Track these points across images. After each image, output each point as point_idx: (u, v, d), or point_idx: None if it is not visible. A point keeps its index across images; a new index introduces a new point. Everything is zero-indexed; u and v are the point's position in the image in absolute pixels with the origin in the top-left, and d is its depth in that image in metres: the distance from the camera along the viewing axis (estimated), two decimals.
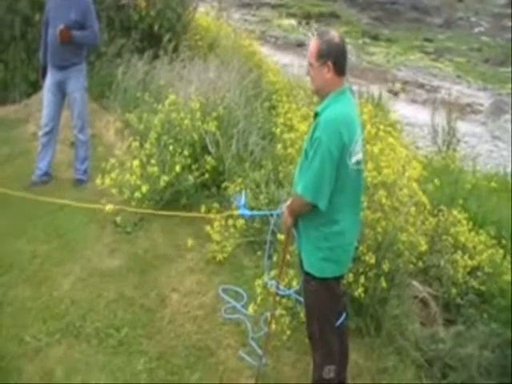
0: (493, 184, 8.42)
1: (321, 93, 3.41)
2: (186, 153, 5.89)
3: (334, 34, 3.36)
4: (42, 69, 6.43)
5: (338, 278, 3.59)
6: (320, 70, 3.31)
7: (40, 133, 6.38)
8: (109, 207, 5.21)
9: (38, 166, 6.31)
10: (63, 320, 4.30)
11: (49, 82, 6.22)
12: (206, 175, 6.04)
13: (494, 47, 41.97)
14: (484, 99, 27.13)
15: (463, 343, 4.70)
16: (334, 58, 3.29)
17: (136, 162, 5.69)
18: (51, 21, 6.06)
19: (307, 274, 3.49)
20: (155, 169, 5.67)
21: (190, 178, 5.87)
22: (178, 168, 5.72)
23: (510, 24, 46.23)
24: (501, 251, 6.12)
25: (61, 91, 6.23)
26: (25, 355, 3.94)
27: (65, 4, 6.02)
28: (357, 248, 4.38)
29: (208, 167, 6.07)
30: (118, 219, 5.54)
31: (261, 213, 5.07)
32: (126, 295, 4.66)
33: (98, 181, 5.58)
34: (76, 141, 6.44)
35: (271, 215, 4.32)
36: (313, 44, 3.33)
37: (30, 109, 8.34)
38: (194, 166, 5.97)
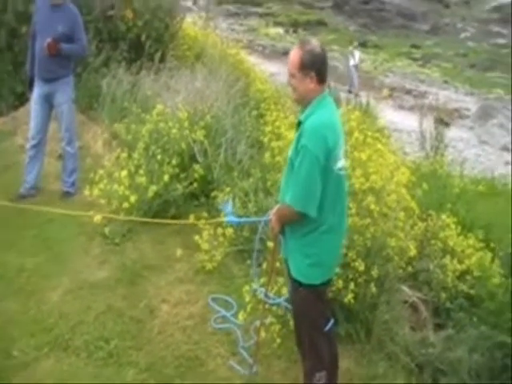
0: (480, 188, 8.50)
1: (303, 101, 3.43)
2: (174, 162, 5.88)
3: (315, 43, 3.38)
4: (29, 81, 6.37)
5: (326, 284, 3.59)
6: (303, 80, 3.33)
7: (27, 145, 6.33)
8: (97, 218, 5.19)
9: (26, 179, 6.26)
10: (52, 333, 4.26)
11: (36, 94, 6.18)
12: (195, 184, 6.04)
13: (480, 52, 42.35)
14: (471, 104, 27.35)
15: (453, 347, 4.72)
16: (317, 68, 3.31)
17: (124, 173, 5.67)
18: (39, 33, 6.02)
19: (295, 280, 3.49)
20: (143, 179, 5.66)
21: (179, 187, 5.86)
22: (166, 178, 5.71)
23: (495, 29, 46.60)
24: (489, 255, 6.16)
25: (48, 103, 6.19)
26: (12, 369, 3.90)
27: (53, 16, 5.97)
28: (345, 254, 4.39)
29: (196, 176, 6.06)
30: (107, 230, 5.52)
31: (248, 220, 5.07)
32: (115, 307, 4.63)
33: (87, 192, 5.56)
34: (64, 153, 6.40)
35: (259, 222, 4.32)
36: (294, 54, 3.33)
37: (17, 121, 8.29)
38: (182, 175, 5.97)
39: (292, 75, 3.36)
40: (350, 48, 27.66)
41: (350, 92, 23.67)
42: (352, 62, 26.25)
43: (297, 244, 3.45)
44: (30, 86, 6.33)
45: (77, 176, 6.39)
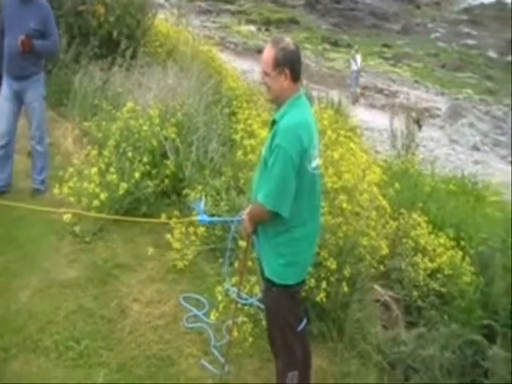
0: (451, 187, 8.58)
1: (278, 100, 3.40)
2: (145, 160, 5.83)
3: (289, 40, 3.34)
4: None
5: (300, 284, 3.58)
6: (277, 79, 3.30)
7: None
8: (67, 216, 5.11)
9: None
10: (20, 333, 4.17)
11: (5, 92, 5.97)
12: (166, 181, 5.99)
13: (450, 53, 42.94)
14: (441, 104, 27.69)
15: (425, 345, 4.76)
16: (291, 65, 3.28)
17: (94, 170, 5.60)
18: (8, 30, 5.79)
19: (268, 280, 3.47)
20: (114, 176, 5.59)
21: (150, 184, 5.81)
22: (137, 175, 5.66)
23: (465, 30, 47.23)
24: (460, 253, 6.23)
25: (18, 101, 6.02)
26: None
27: (23, 12, 5.75)
28: (317, 253, 4.39)
29: (168, 172, 6.02)
30: (77, 229, 5.44)
31: (220, 219, 5.05)
32: (85, 306, 4.56)
33: (56, 190, 5.47)
34: (34, 151, 6.25)
35: (231, 222, 4.30)
36: (268, 52, 3.29)
37: None
38: (153, 172, 5.92)
39: (266, 73, 3.33)
40: (352, 52, 26.38)
41: (353, 104, 22.26)
42: (354, 67, 25.08)
43: (270, 244, 3.43)
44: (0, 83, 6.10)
45: (47, 173, 6.28)
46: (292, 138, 3.20)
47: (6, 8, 5.91)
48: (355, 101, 23.46)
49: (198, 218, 4.18)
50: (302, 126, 3.28)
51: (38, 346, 4.09)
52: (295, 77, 3.32)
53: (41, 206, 5.43)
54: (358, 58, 25.46)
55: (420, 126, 22.19)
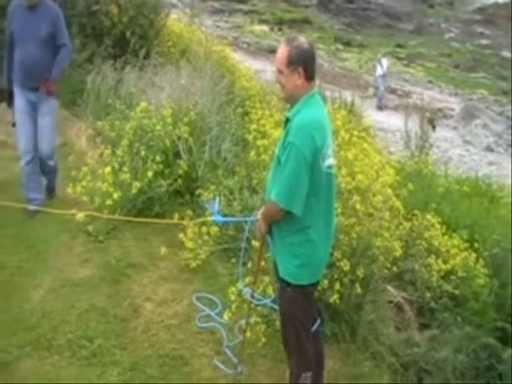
0: (465, 188, 8.52)
1: (291, 99, 3.39)
2: (158, 159, 5.84)
3: (303, 39, 3.34)
4: (8, 94, 5.76)
5: (314, 285, 3.56)
6: (291, 77, 3.29)
7: (21, 162, 5.76)
8: (80, 216, 5.12)
9: (31, 198, 5.80)
10: (34, 332, 4.19)
11: (21, 105, 5.65)
12: (179, 181, 6.00)
13: (464, 53, 42.69)
14: (455, 104, 27.54)
15: (438, 347, 4.72)
16: (305, 64, 3.27)
17: (108, 169, 5.62)
18: (19, 40, 5.49)
19: (283, 281, 3.46)
20: (127, 176, 5.60)
21: (163, 183, 5.82)
22: (150, 174, 5.67)
23: (479, 30, 46.94)
24: (473, 255, 6.18)
25: (34, 111, 5.68)
26: None
27: (32, 19, 5.46)
28: (331, 254, 4.37)
29: (181, 172, 6.02)
30: (90, 228, 5.46)
31: (234, 219, 5.04)
32: (98, 305, 4.57)
33: (70, 190, 5.49)
34: (43, 167, 5.95)
35: (245, 222, 4.29)
36: (282, 51, 3.29)
37: None
38: (166, 171, 5.93)
39: (280, 72, 3.32)
40: (379, 56, 25.70)
41: (379, 108, 21.98)
42: (380, 72, 24.31)
43: (285, 244, 3.42)
44: (10, 99, 5.77)
45: (58, 176, 6.18)
46: (305, 136, 3.19)
47: (13, 18, 5.57)
48: (382, 106, 22.81)
49: (213, 218, 4.18)
50: (315, 125, 3.26)
51: (51, 344, 4.10)
52: (309, 75, 3.31)
53: (53, 206, 5.47)
54: (385, 62, 24.83)
55: (434, 127, 21.96)
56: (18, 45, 5.52)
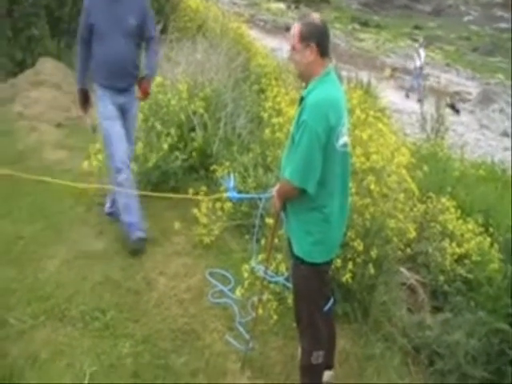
0: (481, 172, 8.46)
1: (305, 76, 3.36)
2: (173, 133, 5.82)
3: (315, 16, 3.32)
4: (80, 95, 5.13)
5: (328, 263, 3.55)
6: (303, 53, 3.26)
7: (119, 178, 4.91)
8: (94, 187, 5.10)
9: (131, 222, 5.01)
10: (48, 302, 4.22)
11: (108, 110, 4.98)
12: (194, 155, 5.99)
13: (483, 36, 42.16)
14: (472, 88, 27.26)
15: (450, 331, 4.71)
16: (317, 39, 3.24)
17: None
18: (103, 35, 4.83)
19: (297, 258, 3.45)
20: (142, 150, 5.59)
21: (178, 156, 5.80)
22: (165, 146, 5.65)
23: (498, 13, 46.28)
24: (488, 239, 6.15)
25: (122, 113, 5.11)
26: (9, 338, 3.86)
27: (117, 8, 4.83)
28: (345, 233, 4.35)
29: (196, 145, 6.00)
30: (105, 200, 5.47)
31: (249, 196, 5.03)
32: (112, 278, 4.60)
33: (85, 163, 5.49)
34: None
35: (259, 199, 4.28)
36: (294, 27, 3.29)
37: (16, 88, 8.21)
38: (181, 145, 5.91)
39: (292, 47, 3.31)
40: (416, 45, 24.16)
41: (419, 101, 20.68)
42: (418, 63, 22.93)
43: (299, 222, 3.41)
44: (84, 101, 5.16)
45: None
46: (318, 115, 3.16)
47: (92, 10, 4.86)
48: (422, 97, 21.47)
49: (228, 194, 4.17)
50: (329, 103, 3.22)
51: (64, 315, 4.14)
52: (322, 51, 3.27)
53: (68, 178, 5.45)
54: (422, 52, 23.48)
55: (458, 111, 21.50)
56: (103, 40, 4.86)
